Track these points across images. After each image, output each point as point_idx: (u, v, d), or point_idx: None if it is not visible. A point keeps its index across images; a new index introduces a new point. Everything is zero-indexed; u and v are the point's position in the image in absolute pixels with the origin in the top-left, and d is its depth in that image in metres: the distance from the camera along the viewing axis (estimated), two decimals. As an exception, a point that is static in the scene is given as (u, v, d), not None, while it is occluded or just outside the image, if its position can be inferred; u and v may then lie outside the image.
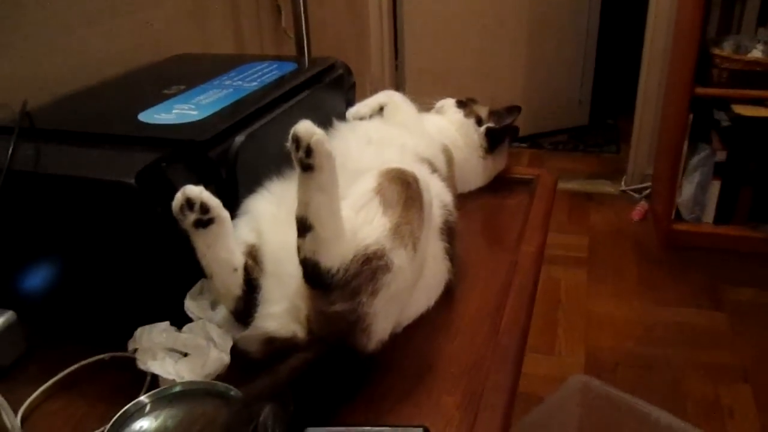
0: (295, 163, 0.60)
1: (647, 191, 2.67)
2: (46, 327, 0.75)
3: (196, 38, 1.38)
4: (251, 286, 0.65)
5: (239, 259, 0.66)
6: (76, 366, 0.69)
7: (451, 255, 0.78)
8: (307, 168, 0.59)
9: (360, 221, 0.64)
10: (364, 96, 1.06)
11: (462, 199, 1.03)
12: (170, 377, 0.63)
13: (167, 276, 0.69)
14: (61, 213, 0.69)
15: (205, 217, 0.63)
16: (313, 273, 0.60)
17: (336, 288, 0.61)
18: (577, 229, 2.44)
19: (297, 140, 0.59)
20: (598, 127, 3.51)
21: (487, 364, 0.67)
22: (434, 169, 0.88)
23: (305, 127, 0.59)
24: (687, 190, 2.24)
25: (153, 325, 0.66)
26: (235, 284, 0.65)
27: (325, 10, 2.22)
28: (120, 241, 0.69)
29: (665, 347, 1.77)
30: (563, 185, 2.84)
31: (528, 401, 1.58)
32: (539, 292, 1.98)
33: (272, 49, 1.72)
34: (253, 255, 0.68)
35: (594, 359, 1.72)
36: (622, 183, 2.80)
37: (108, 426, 0.57)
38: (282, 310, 0.64)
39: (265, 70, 0.99)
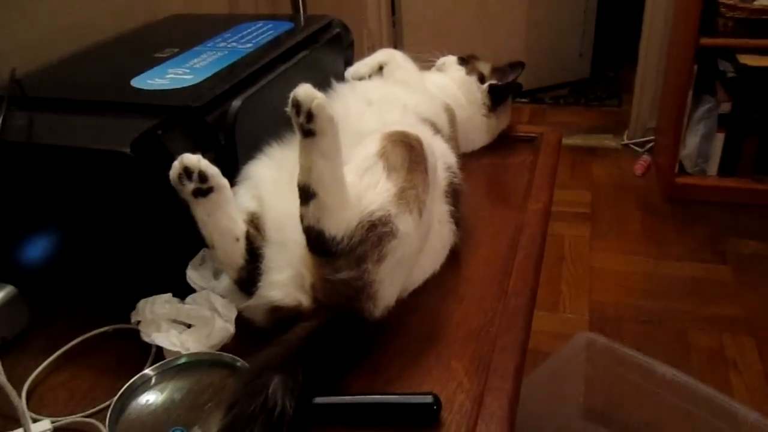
0: (296, 129, 0.58)
1: (650, 145, 2.64)
2: (49, 299, 0.74)
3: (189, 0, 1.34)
4: (254, 255, 0.64)
5: (241, 228, 0.64)
6: (80, 338, 0.68)
7: (457, 218, 0.77)
8: (308, 133, 0.57)
9: (364, 186, 0.62)
10: (361, 53, 1.03)
11: (466, 159, 1.01)
12: (175, 349, 0.62)
13: (168, 246, 0.68)
14: (58, 184, 0.68)
15: (204, 185, 0.61)
16: (317, 241, 0.59)
17: (341, 255, 0.60)
18: (579, 185, 2.42)
19: (297, 105, 0.57)
20: (599, 80, 3.45)
21: (495, 327, 0.66)
22: (437, 130, 0.85)
23: (305, 91, 0.57)
24: (691, 142, 2.21)
25: (155, 296, 0.65)
26: (237, 254, 0.64)
27: (319, -36, 2.15)
28: (118, 212, 0.67)
29: (669, 301, 1.77)
30: (565, 141, 2.78)
31: (534, 357, 1.60)
32: (543, 249, 1.97)
33: (267, 6, 1.66)
34: (254, 223, 0.66)
35: (598, 314, 1.73)
36: (624, 137, 2.76)
37: (114, 399, 0.57)
38: (286, 278, 0.63)
39: (261, 31, 0.96)
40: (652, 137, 2.64)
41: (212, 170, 0.62)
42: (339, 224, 0.59)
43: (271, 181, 0.70)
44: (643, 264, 1.94)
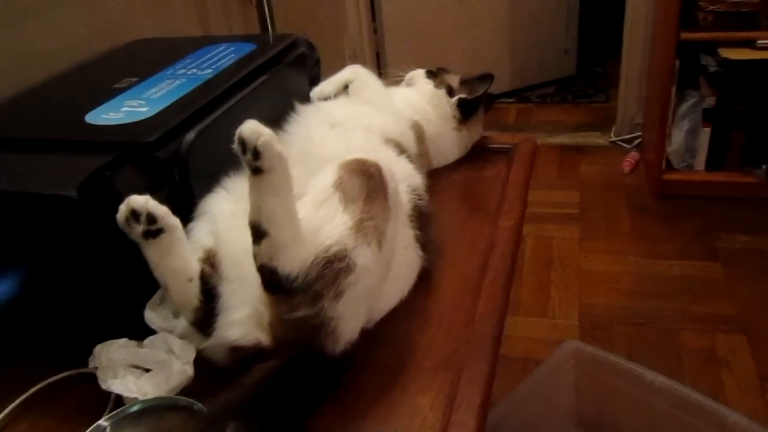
0: (245, 166, 0.57)
1: (638, 141, 2.63)
2: (7, 344, 0.72)
3: (158, 19, 1.32)
4: (209, 295, 0.62)
5: (194, 268, 0.63)
6: (40, 385, 0.66)
7: (424, 241, 0.75)
8: (256, 171, 0.56)
9: (320, 219, 0.61)
10: (343, 61, 1.02)
11: (438, 174, 1.00)
12: (132, 395, 0.61)
13: (124, 287, 0.66)
14: (7, 228, 0.66)
15: (153, 227, 0.60)
16: (271, 280, 0.58)
17: (297, 293, 0.58)
18: (567, 185, 2.40)
19: (243, 143, 0.55)
20: (586, 75, 3.43)
21: (462, 355, 0.64)
22: (402, 150, 0.84)
23: (251, 128, 0.55)
24: (677, 138, 2.20)
25: (111, 341, 0.63)
26: (192, 294, 0.62)
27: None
28: (71, 254, 0.66)
29: (660, 301, 1.76)
30: (552, 140, 2.80)
31: (524, 366, 1.58)
32: (531, 253, 1.97)
33: (240, 22, 1.65)
34: (210, 260, 0.64)
35: (588, 319, 1.71)
36: (612, 134, 2.75)
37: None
38: (244, 316, 0.62)
39: (222, 54, 0.94)
40: (639, 133, 2.62)
41: (161, 211, 0.60)
42: (293, 262, 0.57)
43: (228, 214, 0.68)
44: (633, 264, 1.92)
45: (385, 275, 0.66)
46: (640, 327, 1.67)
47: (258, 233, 0.57)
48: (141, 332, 0.65)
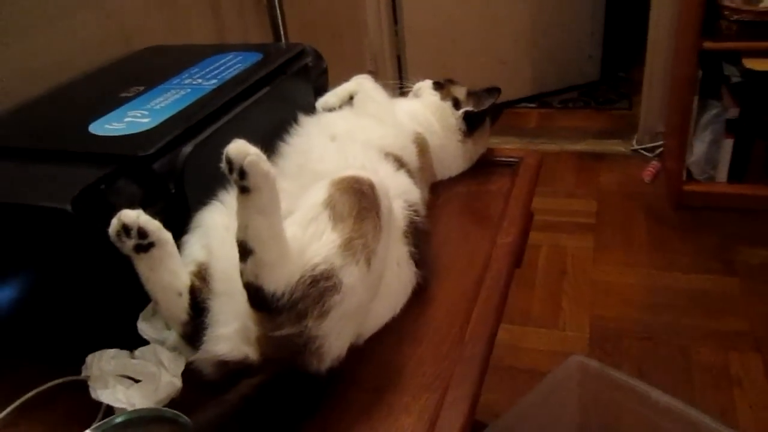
0: (233, 185, 0.57)
1: (659, 150, 2.58)
2: (2, 351, 0.74)
3: (174, 25, 1.33)
4: (198, 309, 0.63)
5: (184, 283, 0.63)
6: (35, 391, 0.68)
7: (419, 257, 0.75)
8: (243, 190, 0.56)
9: (308, 238, 0.61)
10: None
11: (442, 186, 1.00)
12: (121, 406, 0.62)
13: (118, 298, 0.67)
14: (2, 236, 0.67)
15: (145, 241, 0.61)
16: (257, 297, 0.58)
17: (282, 311, 0.58)
18: (585, 193, 2.37)
19: (230, 162, 0.55)
20: (609, 81, 3.38)
21: (449, 375, 0.64)
22: (402, 164, 0.84)
23: (237, 148, 0.56)
24: (698, 148, 2.16)
25: (103, 351, 0.64)
26: (180, 309, 0.63)
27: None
28: (65, 265, 0.67)
29: (673, 315, 1.73)
30: (572, 146, 2.77)
31: (530, 378, 1.57)
32: (545, 262, 1.95)
33: (256, 29, 1.66)
34: (201, 275, 0.65)
35: (599, 331, 1.69)
36: (634, 142, 2.71)
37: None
38: (232, 331, 0.62)
39: (228, 64, 0.95)
40: (661, 142, 2.58)
41: (152, 225, 0.61)
42: (278, 280, 0.58)
43: (222, 228, 0.69)
44: (648, 276, 1.89)
45: (374, 294, 0.66)
46: (651, 342, 1.64)
47: (244, 251, 0.57)
48: (135, 342, 0.66)
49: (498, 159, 1.06)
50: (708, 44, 1.94)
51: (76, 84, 0.97)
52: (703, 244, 2.01)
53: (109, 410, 0.64)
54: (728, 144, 2.11)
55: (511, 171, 1.03)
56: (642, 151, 2.65)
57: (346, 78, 1.00)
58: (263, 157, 0.57)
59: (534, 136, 2.92)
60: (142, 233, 0.60)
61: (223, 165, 0.56)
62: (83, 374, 0.65)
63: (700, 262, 1.93)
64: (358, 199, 0.65)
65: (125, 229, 0.60)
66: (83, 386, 0.65)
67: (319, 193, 0.65)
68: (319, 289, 0.59)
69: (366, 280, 0.62)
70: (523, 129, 2.97)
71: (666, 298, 1.79)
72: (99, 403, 0.64)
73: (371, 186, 0.67)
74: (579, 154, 2.70)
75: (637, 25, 2.76)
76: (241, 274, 0.58)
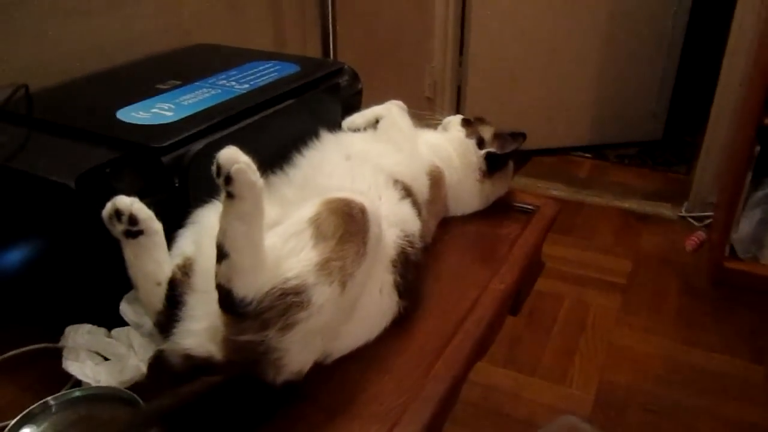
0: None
1: (708, 221, 2.50)
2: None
3: (231, 27, 1.39)
4: (173, 302, 0.65)
5: (165, 274, 0.66)
6: (13, 353, 0.71)
7: (404, 288, 0.75)
8: (228, 195, 0.58)
9: (286, 251, 0.63)
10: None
11: (453, 222, 1.00)
12: (87, 380, 0.64)
13: (106, 277, 0.70)
14: (15, 201, 0.72)
15: (134, 228, 0.63)
16: (226, 300, 0.60)
17: (247, 318, 0.60)
18: (621, 252, 2.32)
19: (218, 167, 0.58)
20: (673, 142, 3.30)
21: (402, 411, 0.64)
22: (409, 194, 0.84)
23: (228, 155, 0.58)
24: (746, 226, 2.08)
25: (80, 325, 0.67)
26: (157, 298, 0.65)
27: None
28: (64, 237, 0.70)
29: (687, 393, 1.66)
30: (619, 203, 2.71)
31: (526, 430, 1.53)
32: (565, 315, 1.91)
33: (315, 43, 1.70)
34: (185, 269, 0.67)
35: (606, 396, 1.64)
36: (683, 208, 2.63)
37: (10, 424, 0.59)
38: (201, 328, 0.64)
39: (264, 72, 0.98)
40: (711, 213, 2.49)
41: (143, 214, 0.64)
42: (248, 287, 0.59)
43: (216, 228, 0.71)
44: (669, 348, 1.82)
45: (346, 316, 0.67)
46: (656, 416, 1.58)
47: (221, 253, 0.59)
48: (116, 322, 0.69)
49: (515, 204, 1.05)
50: (770, 121, 1.87)
51: (122, 69, 1.03)
52: (734, 325, 1.93)
53: (78, 383, 0.67)
54: (778, 227, 2.02)
55: (526, 218, 1.02)
56: (690, 219, 2.57)
57: (402, 100, 1.01)
58: (253, 167, 0.59)
59: (583, 186, 2.87)
60: (133, 220, 0.63)
61: (213, 168, 0.58)
62: (61, 343, 0.68)
63: (728, 343, 1.85)
64: (345, 222, 0.66)
65: (117, 213, 0.63)
66: (60, 354, 0.68)
67: (308, 209, 0.66)
68: (286, 302, 0.60)
69: (337, 302, 0.63)
70: (574, 177, 2.93)
71: (683, 374, 1.72)
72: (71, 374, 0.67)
73: (362, 211, 0.68)
74: (624, 212, 2.64)
75: (709, 89, 2.69)
76: (216, 275, 0.60)
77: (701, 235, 2.41)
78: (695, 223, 2.54)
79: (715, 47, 2.53)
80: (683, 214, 2.61)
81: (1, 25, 0.94)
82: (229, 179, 0.57)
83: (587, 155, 3.20)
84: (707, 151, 2.52)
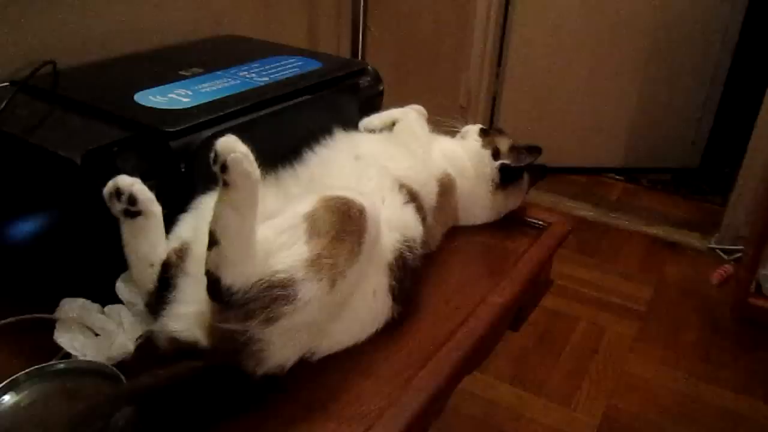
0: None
1: (738, 254, 2.43)
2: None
3: (266, 23, 1.40)
4: (165, 284, 0.66)
5: (159, 256, 0.67)
6: (8, 320, 0.72)
7: (398, 292, 0.75)
8: (223, 183, 0.59)
9: (278, 244, 0.63)
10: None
11: (461, 231, 0.99)
12: (74, 353, 0.66)
13: (105, 254, 0.71)
14: (26, 173, 0.74)
15: (133, 208, 0.65)
16: (213, 287, 0.60)
17: (232, 307, 0.60)
18: (644, 279, 2.27)
19: (215, 154, 0.58)
20: (709, 171, 3.21)
21: (380, 417, 0.63)
22: (414, 199, 0.84)
23: (226, 142, 0.58)
24: (775, 263, 2.02)
25: (75, 299, 0.69)
26: (149, 279, 0.66)
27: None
28: (69, 211, 0.72)
29: (695, 430, 1.61)
30: (646, 228, 2.65)
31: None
32: (578, 337, 1.88)
33: (348, 44, 1.70)
34: (180, 252, 0.68)
35: (611, 423, 1.60)
36: (713, 239, 2.56)
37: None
38: (190, 312, 0.65)
39: (286, 66, 0.99)
40: (741, 247, 2.43)
41: (143, 195, 0.65)
42: (236, 276, 0.60)
43: (215, 215, 0.72)
44: (683, 382, 1.77)
45: (333, 314, 0.67)
46: (661, 450, 1.54)
47: (212, 240, 0.60)
48: (112, 299, 0.70)
49: (527, 218, 1.04)
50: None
51: (150, 53, 1.05)
52: (754, 364, 1.87)
53: (68, 355, 0.68)
54: (809, 268, 1.96)
55: (536, 233, 1.01)
56: (719, 251, 2.50)
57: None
58: (250, 157, 0.59)
59: (612, 209, 2.82)
60: (132, 200, 0.64)
61: (211, 155, 0.59)
62: (54, 315, 0.69)
63: (746, 382, 1.79)
64: (340, 220, 0.66)
65: (117, 192, 0.64)
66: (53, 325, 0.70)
67: (305, 204, 0.66)
68: (271, 295, 0.60)
69: (325, 300, 0.63)
70: (603, 199, 2.88)
71: (694, 410, 1.68)
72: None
73: (361, 211, 0.68)
74: (652, 238, 2.59)
75: (752, 119, 2.62)
76: (206, 261, 0.61)
77: (729, 268, 2.35)
78: (724, 256, 2.48)
79: (761, 78, 2.46)
80: (713, 245, 2.54)
81: (41, 2, 0.97)
82: (225, 167, 0.58)
83: (619, 177, 3.14)
84: (743, 183, 2.46)
